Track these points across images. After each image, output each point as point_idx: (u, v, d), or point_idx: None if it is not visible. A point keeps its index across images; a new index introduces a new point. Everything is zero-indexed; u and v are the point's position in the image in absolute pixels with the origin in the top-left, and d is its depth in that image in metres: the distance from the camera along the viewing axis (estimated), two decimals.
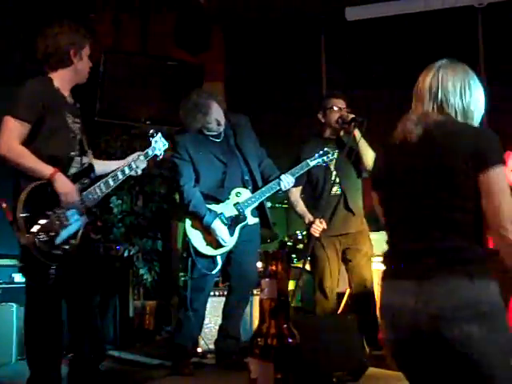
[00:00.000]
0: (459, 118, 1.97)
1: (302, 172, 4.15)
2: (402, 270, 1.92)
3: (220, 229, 3.96)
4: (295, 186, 4.26)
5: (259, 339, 1.43)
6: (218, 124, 4.01)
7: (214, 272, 3.99)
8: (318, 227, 4.09)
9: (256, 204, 4.07)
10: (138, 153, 3.43)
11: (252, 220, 4.09)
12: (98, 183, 3.17)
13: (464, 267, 1.83)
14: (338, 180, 4.20)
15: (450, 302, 1.80)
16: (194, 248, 3.96)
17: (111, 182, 3.21)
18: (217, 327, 4.23)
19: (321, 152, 4.20)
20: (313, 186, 4.36)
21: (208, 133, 4.05)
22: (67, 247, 3.01)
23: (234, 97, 6.50)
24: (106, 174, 3.26)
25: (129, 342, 4.99)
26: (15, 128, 2.95)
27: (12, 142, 2.94)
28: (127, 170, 3.31)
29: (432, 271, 1.84)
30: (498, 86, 5.74)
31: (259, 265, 1.49)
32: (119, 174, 3.26)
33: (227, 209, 4.01)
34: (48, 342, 3.08)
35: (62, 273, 3.03)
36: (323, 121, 4.41)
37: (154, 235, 5.73)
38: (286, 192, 4.26)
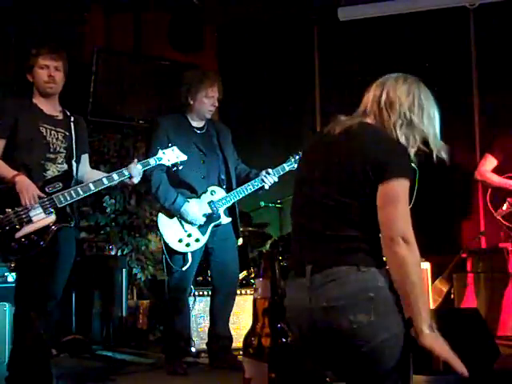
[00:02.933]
0: (399, 129, 1.99)
1: (276, 176, 4.11)
2: (299, 264, 1.97)
3: (192, 211, 3.89)
4: None
5: (253, 339, 1.44)
6: (212, 105, 3.99)
7: (184, 269, 3.90)
8: None
9: (230, 204, 4.04)
10: (136, 160, 3.54)
11: (225, 219, 4.05)
12: (76, 187, 3.32)
13: (351, 257, 1.87)
14: None
15: (337, 292, 1.85)
16: (166, 244, 3.91)
17: (92, 187, 3.34)
18: None
19: (296, 157, 4.17)
20: None
21: (195, 119, 4.03)
22: (26, 242, 3.18)
23: (227, 97, 6.50)
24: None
25: (122, 342, 4.99)
26: None
27: None
28: (116, 177, 3.42)
29: (322, 264, 1.89)
30: (489, 86, 5.78)
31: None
32: (104, 179, 3.39)
33: (201, 206, 3.96)
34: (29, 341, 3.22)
35: (33, 265, 3.23)
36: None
37: (147, 235, 5.73)
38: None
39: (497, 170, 4.70)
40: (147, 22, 6.30)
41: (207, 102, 3.98)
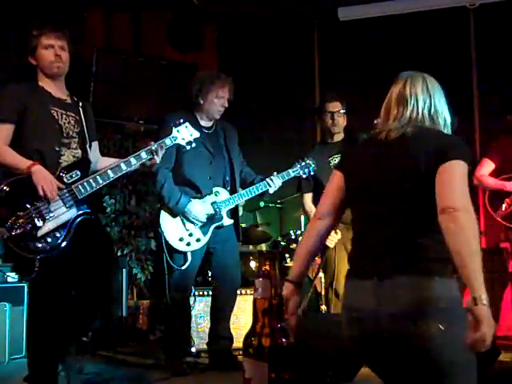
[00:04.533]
0: (428, 124, 2.03)
1: (282, 180, 4.11)
2: (365, 269, 1.95)
3: (195, 210, 3.88)
4: (307, 192, 4.27)
5: (253, 339, 1.44)
6: (222, 106, 3.99)
7: (183, 268, 3.89)
8: (334, 238, 4.03)
9: (233, 205, 4.04)
10: (152, 143, 3.33)
11: (228, 221, 4.04)
12: (94, 175, 3.14)
13: (424, 265, 1.85)
14: None
15: (409, 300, 1.82)
16: (167, 242, 3.90)
17: (111, 174, 3.16)
18: None
19: (302, 163, 4.17)
20: (320, 194, 4.27)
21: (204, 118, 4.03)
22: (50, 240, 3.00)
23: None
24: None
25: (122, 342, 4.99)
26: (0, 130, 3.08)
27: None
28: (134, 161, 3.23)
29: (393, 270, 1.87)
30: (489, 86, 5.78)
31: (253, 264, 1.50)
32: (123, 165, 3.20)
33: (204, 206, 3.95)
34: (44, 339, 3.07)
35: (57, 265, 3.03)
36: (321, 126, 4.38)
37: (148, 234, 5.73)
38: (302, 196, 4.31)
39: (496, 172, 4.70)
40: (147, 21, 6.31)
41: (217, 102, 3.98)
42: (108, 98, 5.75)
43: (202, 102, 3.99)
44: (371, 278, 1.90)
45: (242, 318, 4.52)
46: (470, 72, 5.89)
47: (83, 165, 3.18)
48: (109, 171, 3.16)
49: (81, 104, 3.33)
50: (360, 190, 2.05)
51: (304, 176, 4.19)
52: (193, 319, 4.44)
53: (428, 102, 2.04)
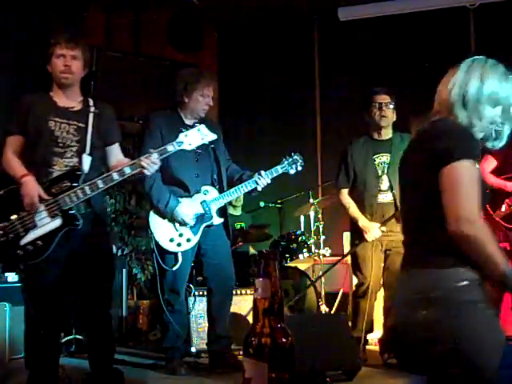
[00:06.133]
0: (455, 113, 1.98)
1: (271, 177, 4.05)
2: (402, 262, 2.04)
3: (184, 212, 3.86)
4: (344, 187, 4.23)
5: (253, 339, 1.43)
6: (207, 104, 3.97)
7: (174, 268, 3.88)
8: (376, 234, 4.01)
9: (222, 204, 4.02)
10: (151, 150, 3.30)
11: (217, 220, 4.02)
12: (83, 185, 3.16)
13: (426, 258, 1.89)
14: (386, 188, 4.09)
15: (413, 289, 1.88)
16: (157, 243, 3.89)
17: (100, 184, 3.17)
18: None
19: (290, 159, 4.14)
20: (359, 191, 4.19)
21: (188, 117, 4.01)
22: (31, 248, 3.09)
23: (227, 96, 6.51)
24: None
25: (122, 342, 4.99)
26: (8, 141, 3.30)
27: (4, 153, 3.27)
28: (128, 170, 3.21)
29: (407, 263, 1.98)
30: None
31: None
32: (115, 175, 3.20)
33: (193, 206, 3.93)
34: (40, 340, 3.19)
35: (44, 272, 3.15)
36: (366, 120, 4.20)
37: (148, 235, 5.73)
38: (339, 193, 4.24)
39: (497, 171, 4.70)
40: (147, 21, 6.32)
41: (202, 100, 3.97)
42: (108, 97, 5.74)
43: (186, 100, 3.97)
44: (402, 271, 2.01)
45: (242, 317, 4.52)
46: None
47: (73, 175, 3.20)
48: (98, 182, 3.17)
49: (92, 109, 3.33)
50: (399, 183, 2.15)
51: (292, 172, 4.15)
52: (193, 319, 4.44)
53: (463, 88, 1.98)
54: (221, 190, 4.04)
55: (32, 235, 3.11)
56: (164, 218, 3.91)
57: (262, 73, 6.52)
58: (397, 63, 5.59)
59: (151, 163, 3.22)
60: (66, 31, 3.37)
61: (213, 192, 4.01)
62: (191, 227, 3.93)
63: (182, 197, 3.93)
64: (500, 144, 2.05)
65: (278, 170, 4.11)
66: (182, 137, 3.38)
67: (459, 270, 1.83)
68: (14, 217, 3.11)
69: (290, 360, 1.42)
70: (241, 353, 1.53)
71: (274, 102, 6.51)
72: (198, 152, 3.94)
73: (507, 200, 4.60)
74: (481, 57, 2.02)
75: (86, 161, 3.24)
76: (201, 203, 3.95)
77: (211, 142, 4.00)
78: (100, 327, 3.32)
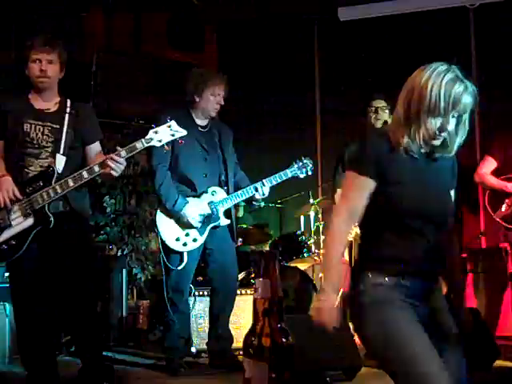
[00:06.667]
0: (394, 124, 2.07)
1: (279, 181, 4.10)
2: None
3: (191, 214, 3.87)
4: (340, 187, 4.21)
5: (253, 339, 1.44)
6: (218, 104, 3.97)
7: (179, 268, 3.89)
8: None
9: (229, 206, 4.03)
10: (119, 148, 3.25)
11: (224, 221, 4.02)
12: (54, 184, 3.21)
13: (359, 261, 2.07)
14: None
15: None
16: (163, 242, 3.90)
17: (70, 183, 3.20)
18: None
19: (300, 163, 4.16)
20: None
21: (200, 116, 4.01)
22: (5, 247, 3.18)
23: (227, 96, 6.49)
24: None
25: (122, 342, 4.99)
26: None
27: None
28: (97, 169, 3.21)
29: None
30: (489, 86, 5.78)
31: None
32: (84, 173, 3.21)
33: (201, 206, 3.94)
34: (32, 340, 3.29)
35: (19, 272, 3.26)
36: (363, 123, 4.25)
37: (148, 235, 5.73)
38: (334, 192, 4.24)
39: (497, 172, 4.70)
40: (147, 21, 6.31)
41: (213, 99, 3.97)
42: (108, 97, 5.75)
43: (197, 99, 3.98)
44: None
45: (242, 317, 4.51)
46: (470, 72, 5.89)
47: (47, 175, 3.24)
48: (69, 180, 3.20)
49: (68, 110, 3.38)
50: None
51: (302, 176, 4.18)
52: (193, 319, 4.44)
53: (408, 98, 1.97)
54: (228, 192, 4.04)
55: (6, 234, 3.19)
56: (171, 218, 3.92)
57: (262, 73, 6.52)
58: (397, 63, 5.58)
59: (118, 163, 3.17)
60: (41, 34, 3.37)
61: (221, 193, 4.02)
62: (198, 227, 3.93)
63: (189, 196, 3.93)
64: (451, 152, 2.01)
65: (288, 173, 4.13)
66: (151, 133, 3.30)
67: (366, 274, 1.95)
68: None
69: (289, 360, 1.42)
70: (241, 353, 1.53)
71: (273, 102, 6.50)
72: (205, 151, 3.95)
73: (507, 200, 4.59)
74: (434, 64, 1.98)
75: (60, 161, 3.28)
76: (208, 204, 3.95)
77: (221, 144, 4.02)
78: (83, 326, 3.34)
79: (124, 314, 5.13)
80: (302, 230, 5.73)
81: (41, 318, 3.29)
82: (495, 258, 4.98)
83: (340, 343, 3.57)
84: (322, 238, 5.22)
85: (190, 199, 3.92)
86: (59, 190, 3.20)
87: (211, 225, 3.98)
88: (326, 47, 6.48)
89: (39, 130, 3.31)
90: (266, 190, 4.06)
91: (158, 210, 3.95)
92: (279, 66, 6.48)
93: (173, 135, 3.35)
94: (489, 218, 4.88)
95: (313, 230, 5.52)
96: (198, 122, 4.03)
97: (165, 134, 3.32)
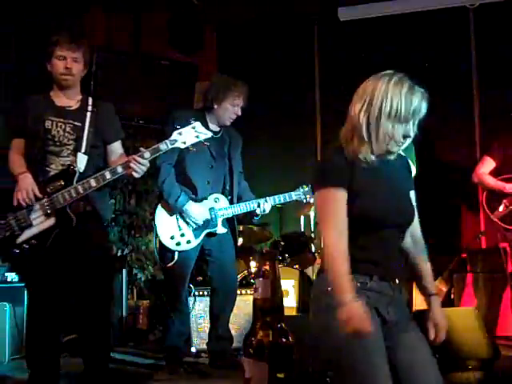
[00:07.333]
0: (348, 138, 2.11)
1: (282, 202, 4.14)
2: None
3: (194, 212, 3.87)
4: None
5: (253, 339, 1.44)
6: (235, 114, 3.97)
7: (169, 265, 3.88)
8: None
9: (229, 215, 4.02)
10: (142, 149, 3.25)
11: (221, 230, 4.01)
12: (76, 184, 3.17)
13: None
14: None
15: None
16: (158, 237, 3.90)
17: (93, 183, 3.17)
18: None
19: (306, 189, 4.18)
20: None
21: (214, 122, 4.00)
22: (26, 247, 3.13)
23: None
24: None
25: (122, 342, 4.98)
26: (12, 144, 3.37)
27: (9, 155, 3.35)
28: (120, 170, 3.21)
29: None
30: (489, 86, 5.78)
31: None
32: (107, 173, 3.20)
33: (202, 209, 3.93)
34: (42, 339, 3.22)
35: (41, 270, 3.19)
36: None
37: (148, 235, 5.73)
38: None
39: (496, 172, 4.70)
40: (147, 21, 6.31)
41: (231, 109, 3.97)
42: (108, 97, 5.73)
43: (215, 106, 3.97)
44: None
45: (242, 318, 4.51)
46: (470, 72, 5.88)
47: (68, 174, 3.21)
48: (91, 180, 3.17)
49: (90, 108, 3.33)
50: None
51: (304, 202, 4.24)
52: (193, 319, 4.44)
53: (368, 106, 2.02)
54: (232, 201, 4.05)
55: (27, 234, 3.14)
56: (171, 215, 3.92)
57: (262, 73, 6.51)
58: (397, 63, 5.56)
59: (140, 165, 3.18)
60: (67, 31, 3.33)
61: (223, 201, 4.02)
62: (194, 230, 3.93)
63: (190, 198, 3.93)
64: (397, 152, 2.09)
65: (292, 196, 4.18)
66: (175, 134, 3.31)
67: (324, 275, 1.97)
68: (9, 215, 3.15)
69: (289, 360, 1.42)
70: (241, 353, 1.53)
71: (273, 102, 6.49)
72: (213, 158, 3.96)
73: (505, 201, 4.60)
74: (388, 72, 2.08)
75: (81, 160, 3.24)
76: (209, 209, 3.96)
77: (230, 153, 4.01)
78: (95, 328, 3.30)
79: (124, 314, 5.13)
80: (302, 230, 5.73)
81: (53, 318, 3.25)
82: (495, 258, 4.98)
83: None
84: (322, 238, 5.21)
85: (191, 201, 3.92)
86: (81, 191, 3.16)
87: (207, 230, 3.97)
88: (326, 47, 6.47)
89: (61, 128, 3.27)
90: (268, 207, 4.06)
91: (159, 205, 3.95)
92: (279, 65, 6.47)
93: (197, 137, 3.36)
94: (489, 218, 4.88)
95: (313, 230, 5.51)
96: (211, 127, 3.99)
97: (189, 135, 3.33)
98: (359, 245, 1.98)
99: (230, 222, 4.10)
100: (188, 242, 3.93)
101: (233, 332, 4.16)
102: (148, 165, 3.24)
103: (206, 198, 3.97)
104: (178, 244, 3.91)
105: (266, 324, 1.45)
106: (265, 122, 6.53)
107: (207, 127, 3.93)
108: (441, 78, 5.51)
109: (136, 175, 3.22)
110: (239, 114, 4.02)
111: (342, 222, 1.96)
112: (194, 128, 3.35)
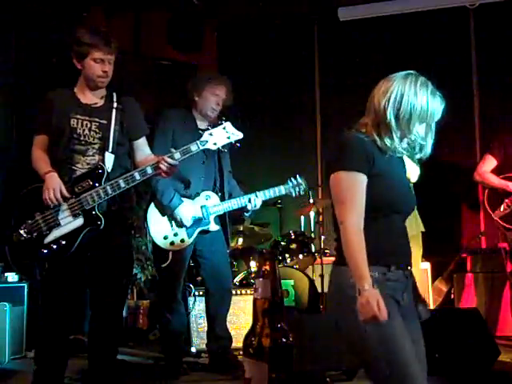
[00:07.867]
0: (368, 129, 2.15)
1: (272, 196, 4.12)
2: None
3: (184, 214, 3.85)
4: None
5: (253, 339, 1.44)
6: (216, 104, 3.95)
7: (163, 265, 3.87)
8: None
9: (221, 212, 4.01)
10: (173, 149, 3.22)
11: (214, 227, 4.00)
12: (105, 185, 3.13)
13: (337, 255, 2.13)
14: None
15: (329, 283, 2.18)
16: (151, 237, 3.90)
17: (122, 184, 3.13)
18: None
19: (295, 182, 4.16)
20: None
21: (200, 118, 4.00)
22: (55, 247, 3.09)
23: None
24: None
25: (122, 342, 4.97)
26: (35, 140, 3.29)
27: (32, 152, 3.26)
28: (149, 170, 3.17)
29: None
30: (489, 86, 5.79)
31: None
32: (136, 174, 3.16)
33: (193, 208, 3.93)
34: (54, 337, 3.21)
35: (62, 271, 3.16)
36: None
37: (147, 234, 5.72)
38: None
39: (496, 171, 4.70)
40: (147, 21, 6.31)
41: (212, 99, 3.96)
42: None
43: (196, 98, 3.97)
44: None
45: (242, 317, 4.52)
46: (470, 72, 5.89)
47: (96, 174, 3.16)
48: (120, 181, 3.13)
49: (115, 105, 3.29)
50: None
51: (293, 195, 4.19)
52: (193, 319, 4.44)
53: (397, 104, 2.07)
54: (222, 198, 4.04)
55: (55, 234, 3.10)
56: (163, 215, 3.92)
57: (262, 73, 6.52)
58: (397, 63, 5.59)
59: (170, 166, 3.16)
60: (104, 33, 3.25)
61: (214, 198, 4.01)
62: (187, 229, 3.93)
63: (182, 195, 3.92)
64: (425, 156, 2.16)
65: (282, 190, 4.14)
66: (206, 135, 3.29)
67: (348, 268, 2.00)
68: (37, 215, 3.11)
69: (289, 360, 1.42)
70: (241, 353, 1.53)
71: (273, 102, 6.50)
72: (205, 155, 3.93)
73: (506, 200, 4.60)
74: (413, 72, 2.12)
75: (109, 159, 3.20)
76: (201, 207, 3.95)
77: (219, 150, 3.99)
78: (109, 326, 3.26)
79: (124, 314, 5.12)
80: (302, 229, 5.73)
81: (67, 317, 3.23)
82: (495, 258, 4.98)
83: (340, 343, 3.56)
84: (323, 237, 5.22)
85: (184, 200, 3.91)
86: (110, 191, 3.12)
87: (200, 228, 3.97)
88: (326, 47, 6.48)
89: (86, 126, 3.21)
90: (259, 202, 4.05)
91: (152, 205, 3.92)
92: (279, 65, 6.47)
93: (228, 137, 3.35)
94: (489, 218, 4.88)
95: (313, 229, 5.51)
96: (199, 124, 4.01)
97: (220, 136, 3.32)
98: (373, 234, 2.01)
99: (221, 218, 4.08)
100: (182, 240, 3.92)
101: (233, 332, 4.15)
102: (179, 166, 3.23)
103: (198, 195, 3.96)
104: (172, 243, 3.90)
105: (266, 324, 1.45)
106: (265, 121, 6.53)
107: (196, 125, 3.95)
108: (441, 78, 5.51)
109: (165, 176, 3.21)
110: (220, 104, 3.97)
111: (361, 206, 2.00)
112: (224, 128, 3.34)
